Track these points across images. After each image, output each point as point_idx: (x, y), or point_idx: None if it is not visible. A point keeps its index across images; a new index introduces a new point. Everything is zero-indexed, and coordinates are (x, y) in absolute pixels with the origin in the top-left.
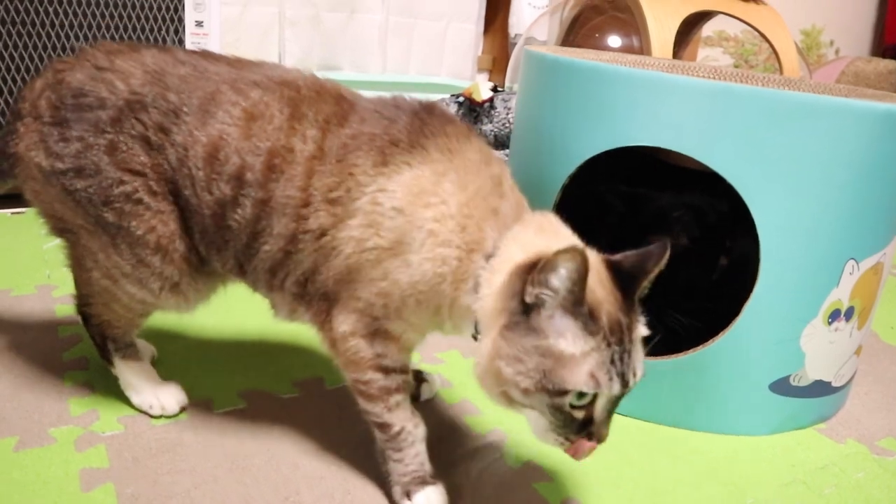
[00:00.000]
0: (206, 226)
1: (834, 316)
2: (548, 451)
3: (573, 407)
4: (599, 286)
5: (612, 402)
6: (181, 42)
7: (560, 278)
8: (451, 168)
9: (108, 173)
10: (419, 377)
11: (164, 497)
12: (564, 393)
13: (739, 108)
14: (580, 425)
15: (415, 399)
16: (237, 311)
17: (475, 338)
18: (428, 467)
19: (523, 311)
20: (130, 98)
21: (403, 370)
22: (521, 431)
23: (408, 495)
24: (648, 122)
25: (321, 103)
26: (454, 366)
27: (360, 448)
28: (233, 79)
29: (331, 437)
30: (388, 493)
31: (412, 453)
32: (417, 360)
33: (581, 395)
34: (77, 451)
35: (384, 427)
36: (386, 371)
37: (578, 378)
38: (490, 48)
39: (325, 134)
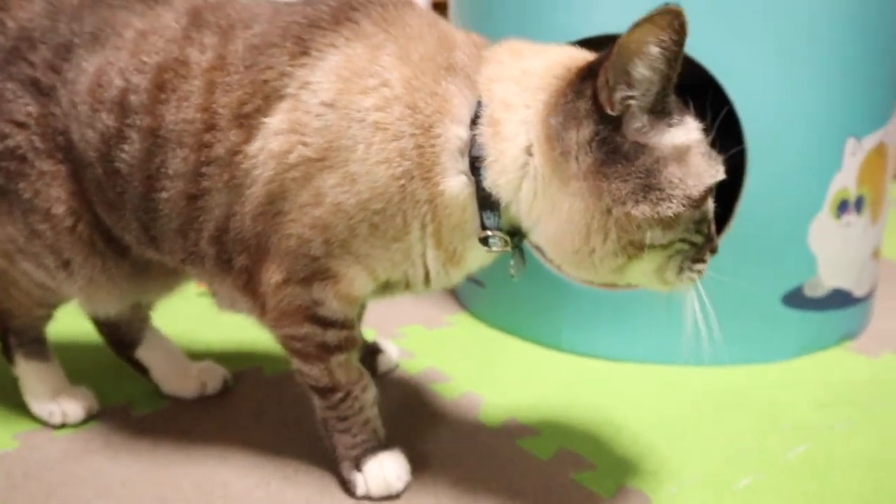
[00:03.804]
0: (98, 178)
1: (843, 208)
2: (532, 408)
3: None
4: None
5: None
6: None
7: (652, 61)
8: (390, 39)
9: None
10: (374, 348)
11: None
12: (708, 193)
13: None
14: (707, 235)
15: (371, 373)
16: (167, 308)
17: (487, 241)
18: (381, 435)
19: (613, 129)
20: (20, 36)
21: (347, 324)
22: (497, 392)
23: (357, 466)
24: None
25: (229, 7)
26: (416, 339)
27: (302, 430)
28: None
29: (269, 424)
30: (336, 471)
31: (360, 421)
32: (374, 335)
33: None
34: None
35: (325, 392)
36: (324, 323)
37: (705, 166)
38: None
39: (228, 38)
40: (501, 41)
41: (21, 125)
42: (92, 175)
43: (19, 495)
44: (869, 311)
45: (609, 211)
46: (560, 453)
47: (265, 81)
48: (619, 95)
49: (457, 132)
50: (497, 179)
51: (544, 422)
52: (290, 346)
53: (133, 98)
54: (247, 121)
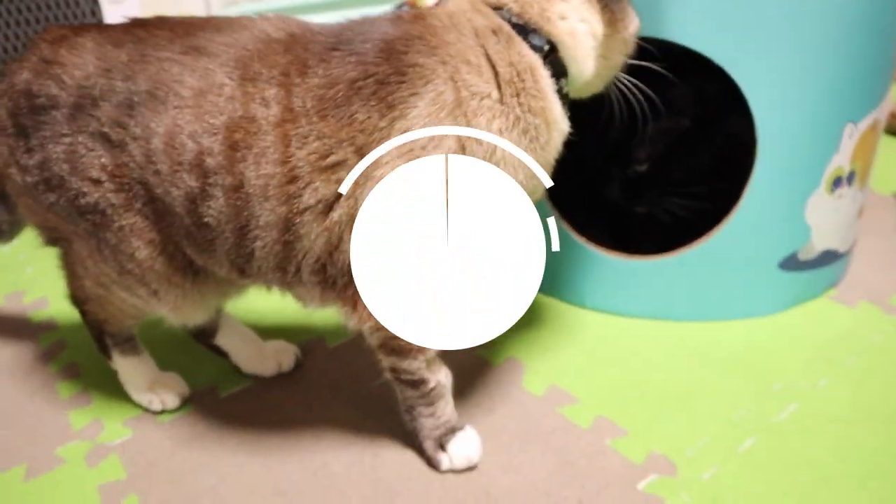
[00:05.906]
0: (188, 227)
1: (837, 183)
2: (568, 374)
3: None
4: None
5: None
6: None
7: None
8: (450, 61)
9: (70, 184)
10: None
11: (191, 498)
12: None
13: None
14: None
15: None
16: None
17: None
18: (456, 414)
19: None
20: (80, 93)
21: None
22: (536, 358)
23: (441, 447)
24: None
25: (273, 55)
26: None
27: (376, 402)
28: (175, 51)
29: (343, 397)
30: (419, 448)
31: (443, 404)
32: None
33: None
34: (89, 466)
35: (419, 384)
36: None
37: None
38: None
39: (289, 90)
40: None
41: (96, 182)
42: (180, 224)
43: (153, 483)
44: (849, 260)
45: (628, 40)
46: (598, 420)
47: (361, 131)
48: None
49: (545, 72)
50: (579, 68)
51: (581, 388)
52: (393, 345)
53: (210, 160)
54: (334, 173)
